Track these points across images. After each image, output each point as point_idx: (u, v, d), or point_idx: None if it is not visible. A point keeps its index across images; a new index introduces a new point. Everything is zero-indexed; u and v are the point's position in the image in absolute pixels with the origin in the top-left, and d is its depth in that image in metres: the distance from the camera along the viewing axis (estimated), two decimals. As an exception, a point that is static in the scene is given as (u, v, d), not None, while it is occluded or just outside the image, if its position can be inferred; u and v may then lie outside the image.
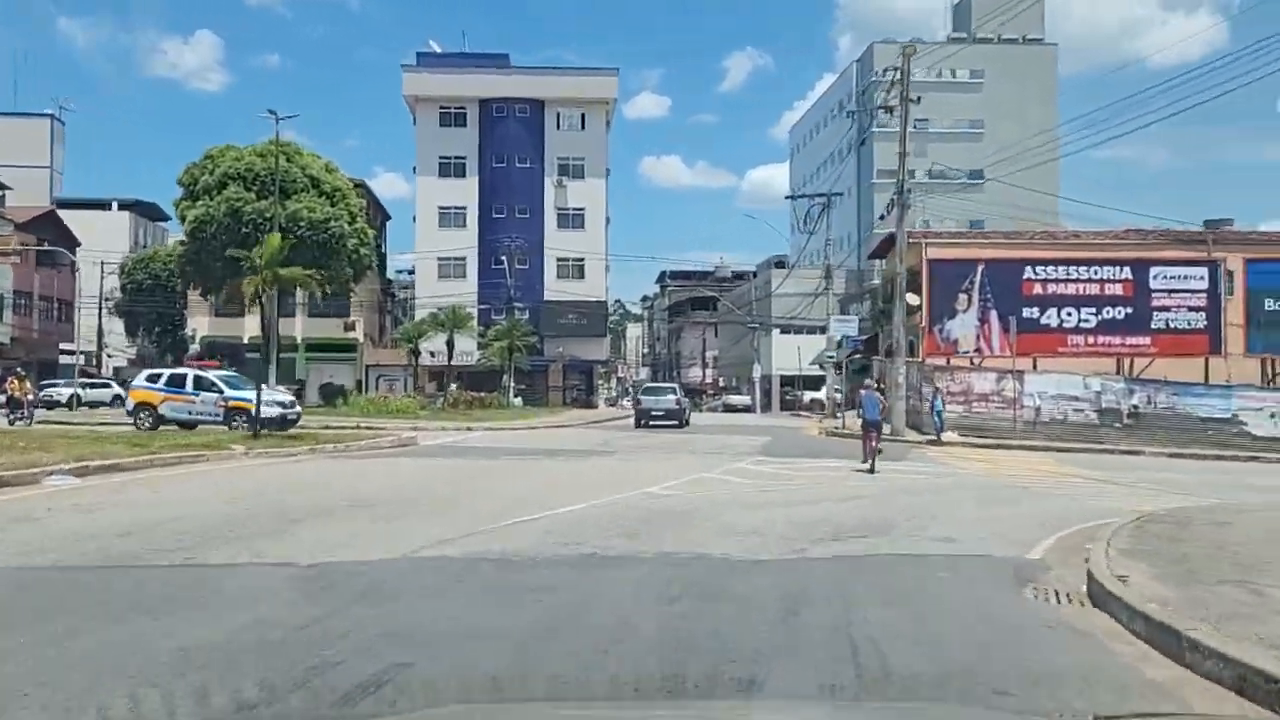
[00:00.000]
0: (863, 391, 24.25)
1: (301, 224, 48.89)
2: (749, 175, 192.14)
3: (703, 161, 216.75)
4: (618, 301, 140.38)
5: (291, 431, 27.48)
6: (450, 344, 52.44)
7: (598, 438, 33.03)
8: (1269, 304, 34.89)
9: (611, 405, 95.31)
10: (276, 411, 30.04)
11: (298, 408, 32.31)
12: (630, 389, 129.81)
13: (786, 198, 50.84)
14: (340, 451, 23.71)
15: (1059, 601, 8.22)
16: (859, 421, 24.59)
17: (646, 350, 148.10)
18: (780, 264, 79.52)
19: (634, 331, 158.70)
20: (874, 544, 11.01)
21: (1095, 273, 35.32)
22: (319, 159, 53.04)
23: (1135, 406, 34.51)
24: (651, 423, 40.11)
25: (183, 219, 51.24)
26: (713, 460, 24.06)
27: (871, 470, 20.97)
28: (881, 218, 34.93)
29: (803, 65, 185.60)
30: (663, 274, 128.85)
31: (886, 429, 34.01)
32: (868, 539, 11.43)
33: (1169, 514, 13.26)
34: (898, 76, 32.53)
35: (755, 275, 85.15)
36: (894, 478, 20.52)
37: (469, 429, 35.93)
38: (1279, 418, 34.00)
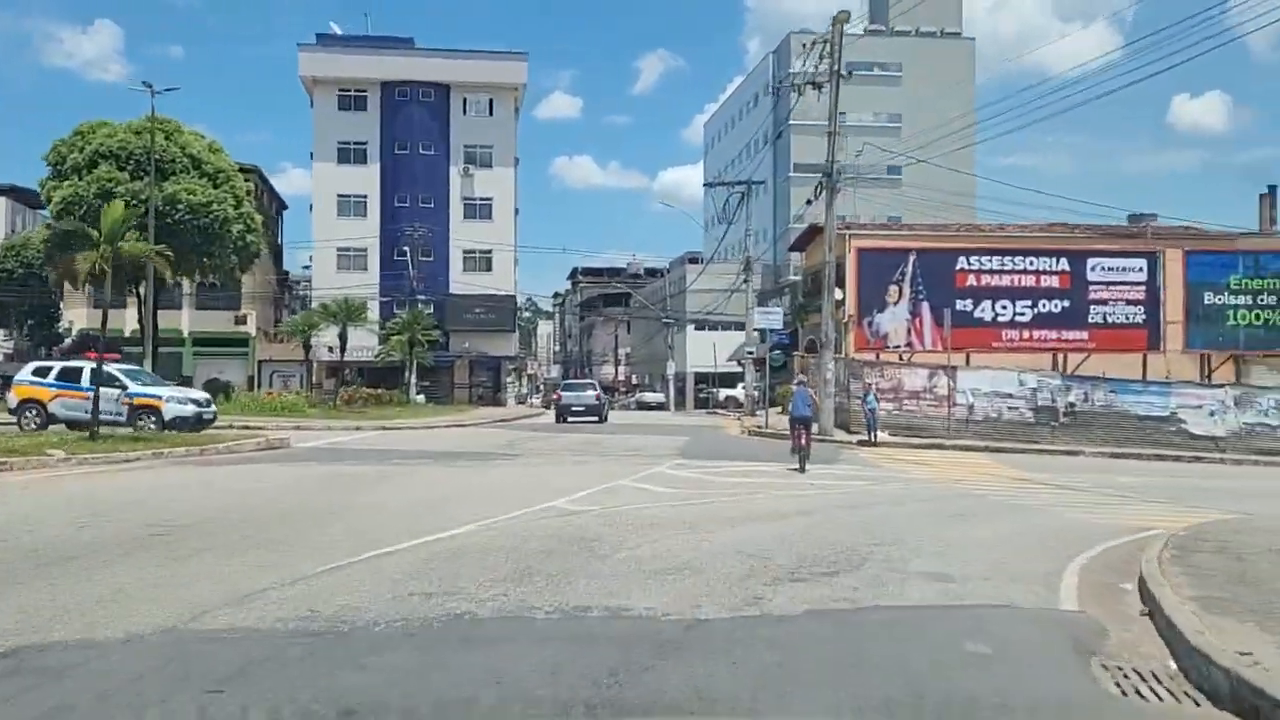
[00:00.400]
0: (794, 387, 23.13)
1: (180, 207, 44.86)
2: (661, 176, 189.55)
3: (615, 162, 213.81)
4: (529, 299, 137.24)
5: (139, 434, 23.91)
6: (343, 337, 48.78)
7: (502, 438, 30.02)
8: (1208, 297, 33.31)
9: (521, 403, 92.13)
10: (190, 410, 26.90)
11: (213, 407, 28.83)
12: (541, 386, 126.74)
13: (705, 185, 48.34)
14: (191, 457, 20.28)
15: (1153, 691, 5.56)
16: (787, 419, 23.29)
17: (558, 348, 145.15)
18: (695, 260, 77.18)
19: (545, 329, 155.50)
20: (850, 586, 8.29)
21: (1031, 264, 33.38)
22: (202, 138, 48.93)
23: (1072, 404, 32.62)
24: (572, 418, 40.98)
25: (48, 200, 46.79)
26: (628, 464, 21.29)
27: (802, 469, 20.18)
28: (809, 202, 32.57)
29: (714, 68, 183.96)
30: (574, 270, 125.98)
31: (815, 428, 31.78)
32: (838, 577, 8.71)
33: (1195, 534, 10.81)
34: (827, 49, 30.08)
35: (669, 271, 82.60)
36: (836, 486, 17.95)
37: (358, 429, 32.62)
38: (1218, 416, 32.39)
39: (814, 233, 45.22)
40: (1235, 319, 33.09)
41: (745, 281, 45.11)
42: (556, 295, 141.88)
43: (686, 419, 50.99)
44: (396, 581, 7.95)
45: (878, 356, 33.68)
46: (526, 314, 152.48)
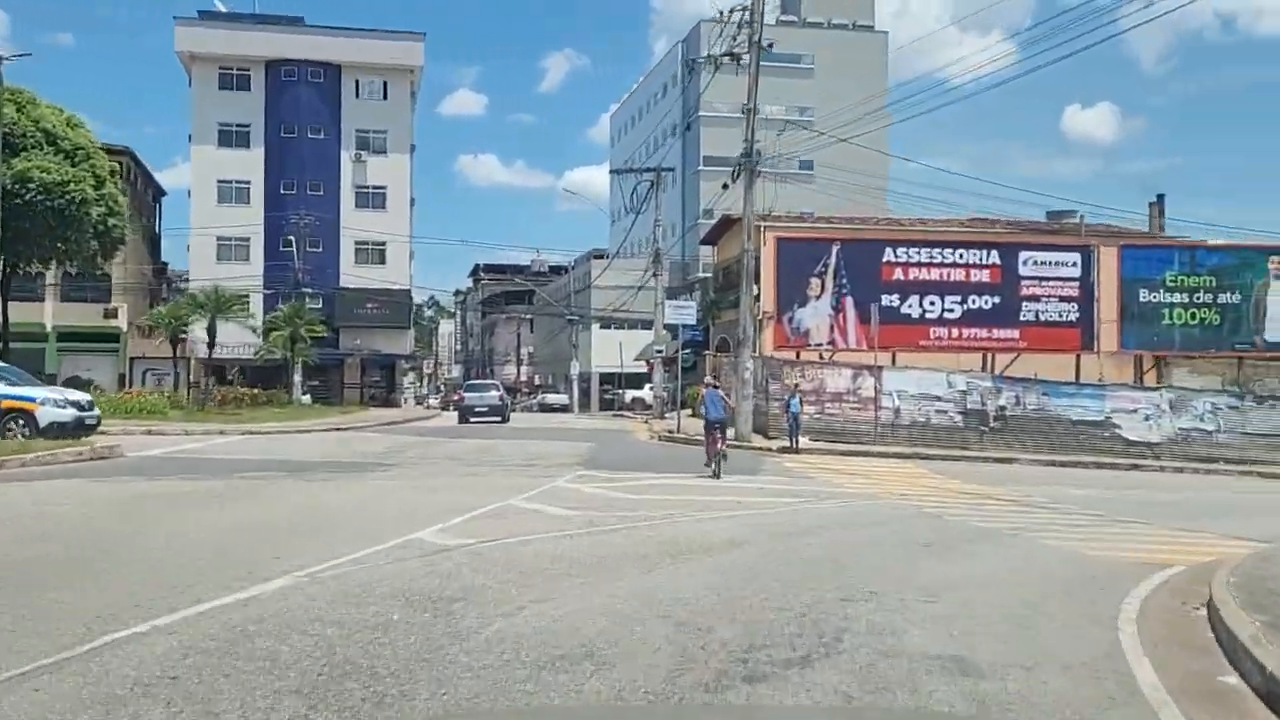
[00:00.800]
0: (704, 389, 22.04)
1: (32, 186, 40.32)
2: (567, 176, 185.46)
3: (521, 161, 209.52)
4: (432, 298, 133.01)
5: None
6: (212, 330, 44.64)
7: (383, 444, 26.71)
8: (1144, 295, 31.50)
9: (419, 404, 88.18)
10: (70, 415, 23.10)
11: (96, 410, 24.90)
12: (441, 387, 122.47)
13: (612, 171, 45.45)
14: (-14, 470, 16.67)
15: None
16: (703, 423, 21.14)
17: (459, 347, 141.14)
18: (600, 256, 74.26)
19: (447, 328, 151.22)
20: (835, 687, 5.44)
21: (961, 256, 31.20)
22: (60, 112, 44.32)
23: (1003, 408, 30.50)
24: (474, 419, 40.38)
25: (-122, 177, 41.80)
26: (524, 477, 18.31)
27: (716, 476, 19.00)
28: (725, 186, 29.85)
29: (621, 68, 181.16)
30: (476, 267, 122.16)
31: (731, 433, 29.14)
32: (812, 667, 5.88)
33: (1249, 577, 8.19)
34: (746, 17, 27.41)
35: (574, 268, 79.45)
36: (769, 505, 15.21)
37: (221, 433, 28.93)
38: (1153, 421, 30.57)
39: (726, 225, 42.65)
40: (1171, 318, 31.35)
41: (654, 276, 42.30)
42: (458, 293, 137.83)
43: (591, 422, 48.04)
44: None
45: (798, 355, 31.18)
46: (429, 312, 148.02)
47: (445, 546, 10.00)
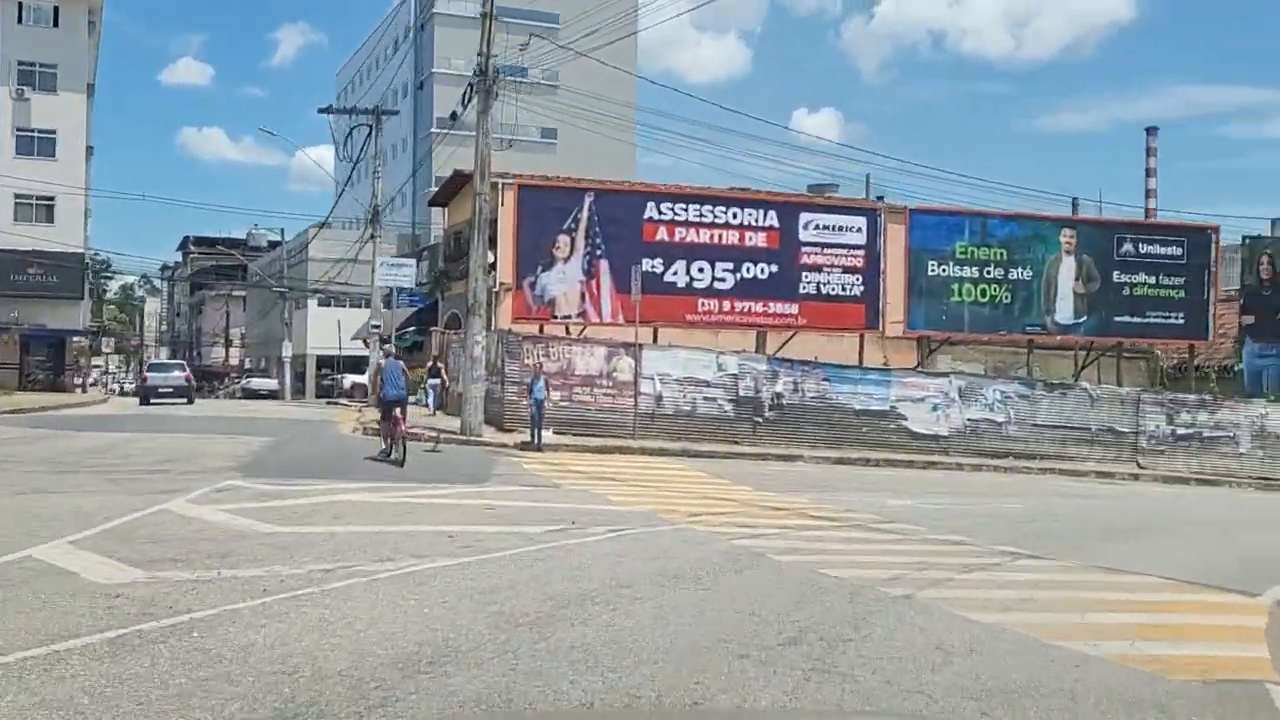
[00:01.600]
0: (381, 359, 19.83)
1: None
2: (298, 154, 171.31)
3: (249, 138, 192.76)
4: (145, 277, 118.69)
5: None
6: None
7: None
8: (932, 267, 27.77)
9: (102, 388, 76.77)
10: None
11: None
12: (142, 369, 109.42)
13: (320, 111, 38.22)
14: None
15: None
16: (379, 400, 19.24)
17: (165, 327, 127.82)
18: (326, 226, 66.03)
19: (154, 306, 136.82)
20: None
21: (735, 216, 26.40)
22: None
23: (779, 395, 25.98)
24: (157, 400, 38.79)
25: None
26: (126, 494, 11.89)
27: (400, 463, 16.80)
28: (454, 116, 23.86)
29: (355, 45, 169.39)
30: (186, 239, 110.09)
31: (455, 424, 23.32)
32: None
33: None
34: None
35: (288, 239, 70.46)
36: (503, 545, 9.47)
37: None
38: (941, 411, 26.88)
39: (459, 183, 36.45)
40: (960, 294, 27.76)
41: (373, 238, 35.51)
42: (165, 268, 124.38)
43: (299, 410, 40.61)
44: None
45: (541, 329, 25.53)
46: (140, 291, 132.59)
47: None
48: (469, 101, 22.53)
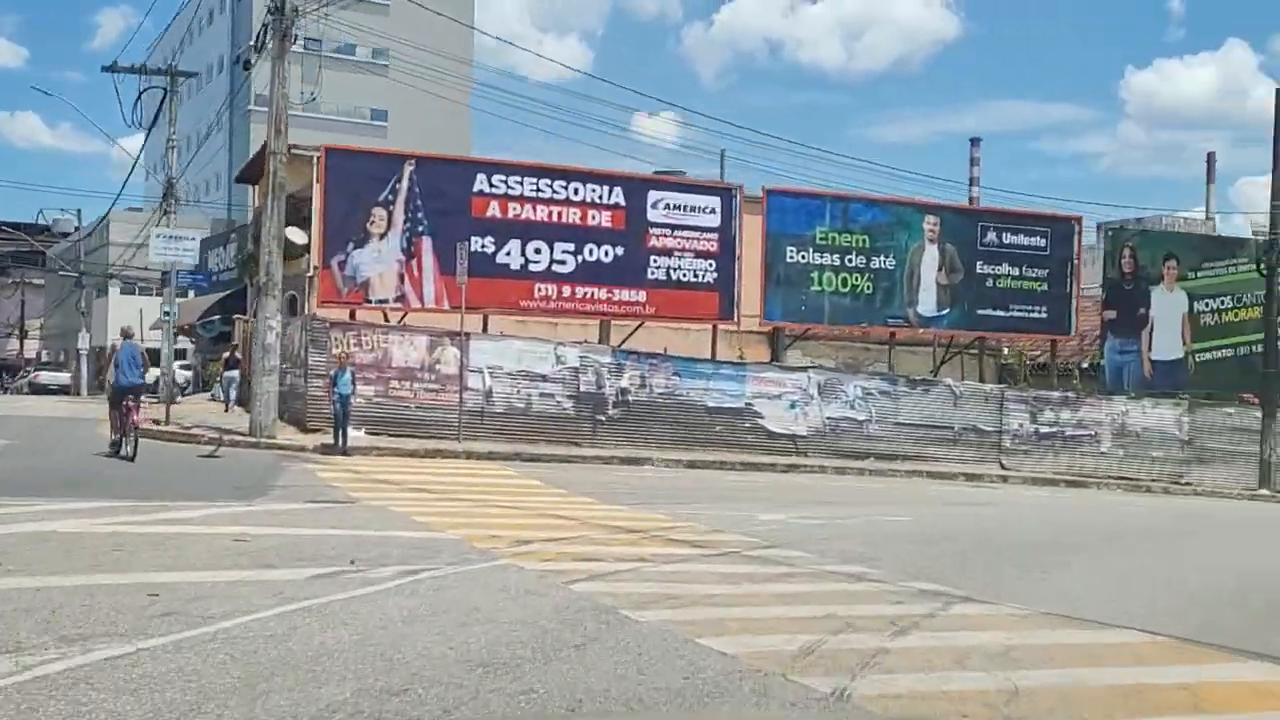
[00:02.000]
0: (118, 341, 17.20)
1: None
2: (124, 141, 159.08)
3: (66, 124, 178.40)
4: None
5: None
6: None
7: None
8: (791, 253, 25.52)
9: None
10: None
11: None
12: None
13: (104, 69, 33.64)
14: None
15: None
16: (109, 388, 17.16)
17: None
18: (136, 210, 60.32)
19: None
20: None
21: (577, 192, 23.56)
22: None
23: (625, 391, 23.28)
24: None
25: None
26: None
27: (125, 455, 15.27)
28: (247, 65, 20.38)
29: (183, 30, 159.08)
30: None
31: (244, 420, 19.93)
32: None
33: None
34: None
35: (95, 222, 64.20)
36: (248, 604, 6.29)
37: None
38: (799, 408, 24.66)
39: (263, 161, 32.61)
40: (821, 283, 25.57)
41: (165, 214, 31.24)
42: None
43: (70, 407, 35.83)
44: None
45: (353, 315, 22.13)
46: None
47: None
48: (263, 44, 19.02)
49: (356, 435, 19.81)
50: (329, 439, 18.93)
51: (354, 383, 19.08)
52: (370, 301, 22.15)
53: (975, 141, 55.31)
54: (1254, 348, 28.99)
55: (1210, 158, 48.42)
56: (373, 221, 21.97)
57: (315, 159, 23.05)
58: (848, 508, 15.35)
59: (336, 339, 21.07)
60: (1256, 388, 28.64)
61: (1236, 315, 29.32)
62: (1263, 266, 27.39)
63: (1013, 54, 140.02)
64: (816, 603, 7.65)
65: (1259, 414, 27.81)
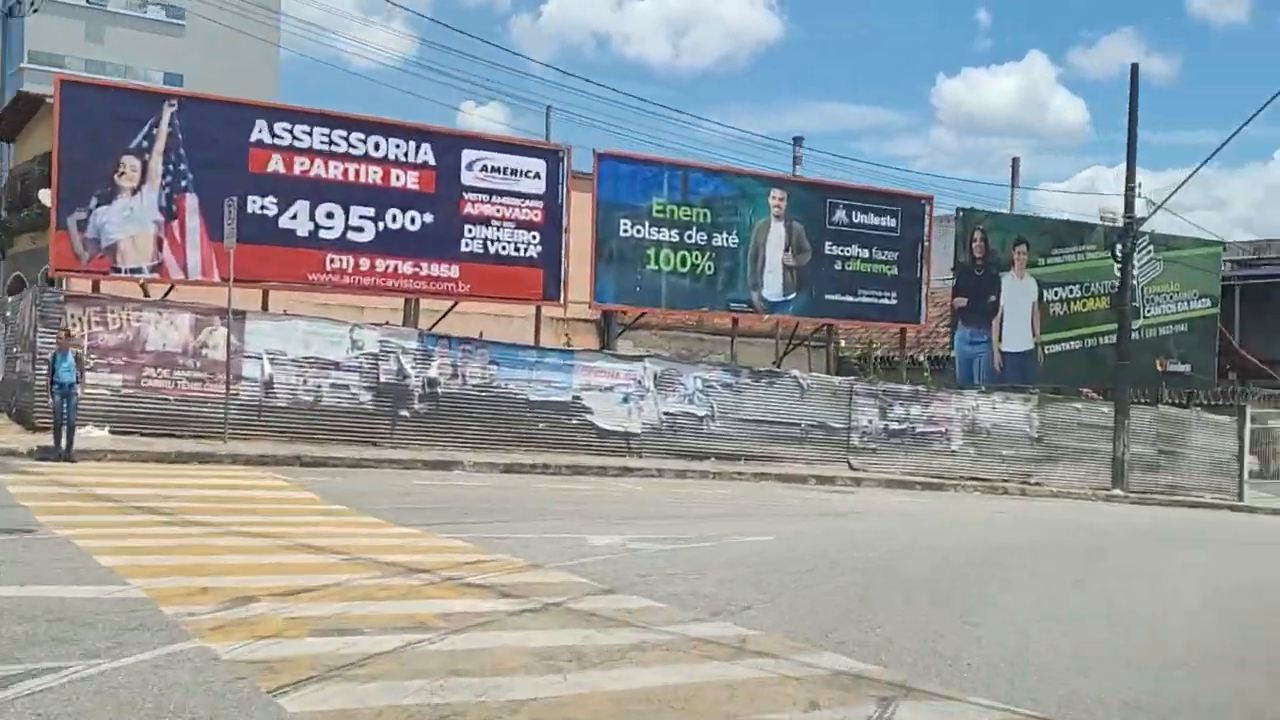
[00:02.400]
0: None
1: None
2: None
3: None
4: None
5: None
6: None
7: None
8: (625, 227, 22.63)
9: None
10: None
11: None
12: None
13: None
14: None
15: None
16: None
17: None
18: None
19: None
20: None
21: (379, 147, 20.11)
22: None
23: (433, 382, 19.99)
24: None
25: None
26: None
27: None
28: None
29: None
30: None
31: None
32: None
33: None
34: None
35: None
36: None
37: None
38: (634, 403, 21.89)
39: (27, 110, 27.89)
40: (658, 262, 22.82)
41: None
42: None
43: None
44: None
45: (96, 286, 18.15)
46: None
47: None
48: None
49: (94, 435, 16.02)
50: (54, 441, 15.03)
51: (81, 369, 15.22)
52: (119, 270, 18.18)
53: (798, 140, 54.67)
54: (1101, 339, 27.79)
55: (1015, 163, 48.28)
56: (122, 172, 18.02)
57: (54, 99, 18.90)
58: (696, 524, 12.58)
59: (74, 316, 17.09)
60: (1105, 382, 27.42)
61: (1085, 305, 28.03)
62: (1117, 250, 26.09)
63: (833, 58, 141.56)
64: (690, 712, 4.77)
65: (1105, 409, 26.61)
